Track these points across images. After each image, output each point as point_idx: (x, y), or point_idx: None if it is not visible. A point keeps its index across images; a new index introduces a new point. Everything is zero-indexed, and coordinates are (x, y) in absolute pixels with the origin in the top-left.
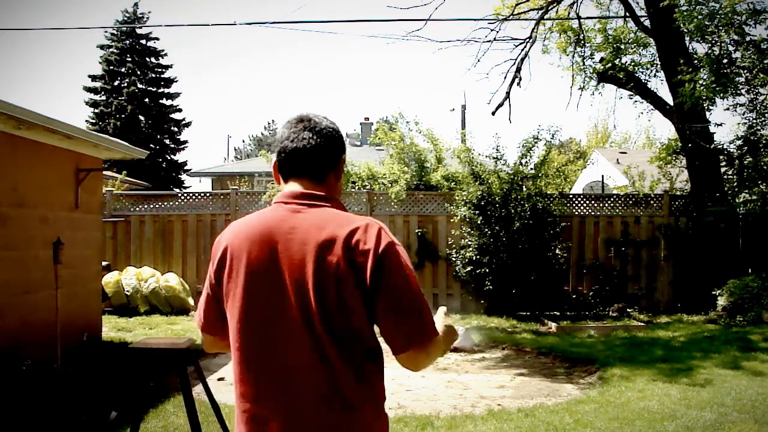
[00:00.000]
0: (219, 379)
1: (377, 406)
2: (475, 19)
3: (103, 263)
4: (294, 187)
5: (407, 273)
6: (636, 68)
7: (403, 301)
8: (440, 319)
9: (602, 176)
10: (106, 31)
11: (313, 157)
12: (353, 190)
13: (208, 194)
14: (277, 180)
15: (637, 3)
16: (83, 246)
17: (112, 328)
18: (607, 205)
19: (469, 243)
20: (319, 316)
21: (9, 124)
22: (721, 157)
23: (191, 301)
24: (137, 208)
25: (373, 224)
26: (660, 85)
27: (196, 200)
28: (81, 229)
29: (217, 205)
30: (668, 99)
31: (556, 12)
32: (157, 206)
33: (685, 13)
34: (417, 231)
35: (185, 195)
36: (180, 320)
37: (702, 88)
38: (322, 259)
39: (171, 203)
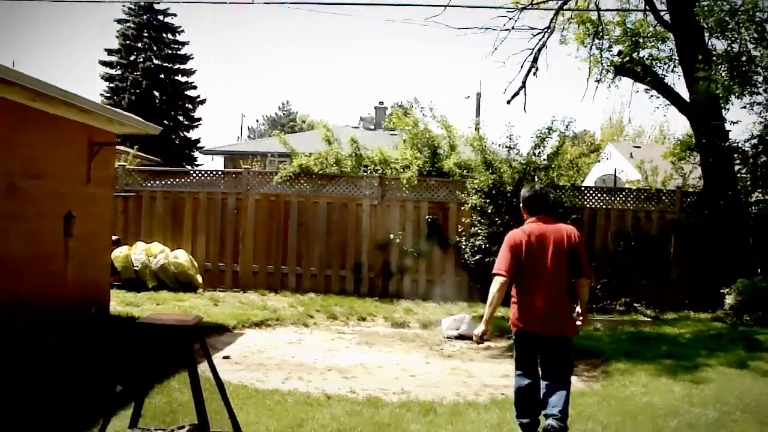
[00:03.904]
0: (224, 357)
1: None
2: (494, 7)
3: (113, 238)
4: (539, 215)
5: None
6: (654, 62)
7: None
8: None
9: (615, 170)
10: (124, 5)
11: (546, 201)
12: (365, 173)
13: (220, 173)
14: (524, 213)
15: None
16: (94, 220)
17: (120, 302)
18: (618, 198)
19: (479, 231)
20: (565, 261)
21: (25, 96)
22: (736, 155)
23: (199, 278)
24: (149, 184)
25: (573, 228)
26: (677, 81)
27: (208, 178)
28: (92, 203)
29: (229, 183)
30: (685, 94)
31: (576, 2)
32: (168, 183)
33: (705, 9)
34: (427, 217)
35: (197, 173)
36: (188, 297)
37: (719, 84)
38: (566, 240)
39: (183, 180)
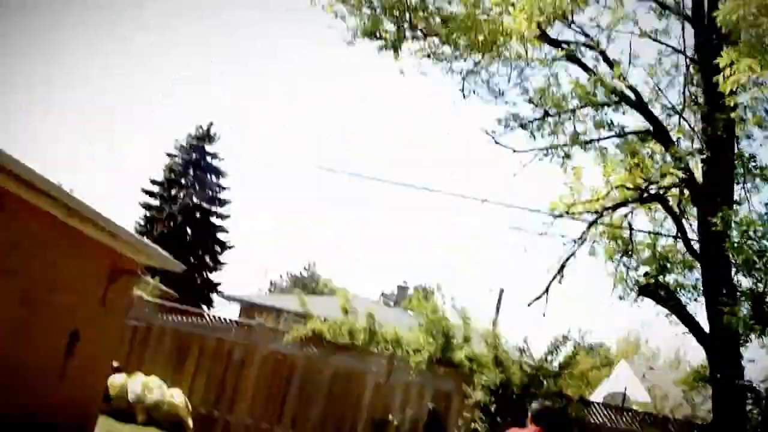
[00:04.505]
0: None
1: None
2: (530, 210)
3: (115, 364)
4: (541, 428)
5: None
6: (678, 289)
7: None
8: None
9: (625, 389)
10: (176, 141)
11: (550, 418)
12: (376, 350)
13: (233, 321)
14: (530, 421)
15: (690, 225)
16: (100, 344)
17: (105, 431)
18: (625, 419)
19: (479, 429)
20: None
21: (60, 211)
22: (749, 394)
23: (190, 422)
24: (161, 318)
25: None
26: (699, 309)
27: (221, 324)
28: (102, 327)
29: (240, 334)
30: (704, 324)
31: (610, 218)
32: (181, 320)
33: (735, 245)
34: (429, 405)
35: (211, 317)
36: None
37: (740, 321)
38: None
39: (195, 320)
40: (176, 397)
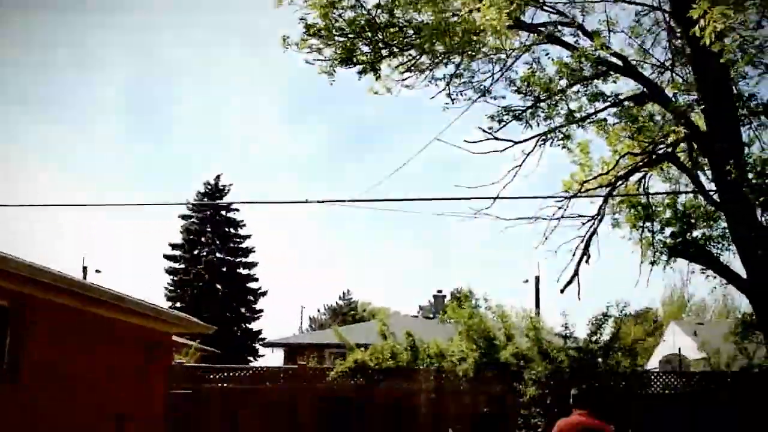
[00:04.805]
0: None
1: None
2: (542, 197)
3: None
4: (582, 410)
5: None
6: (707, 242)
7: None
8: None
9: (679, 350)
10: (188, 201)
11: (587, 399)
12: (422, 366)
13: (276, 369)
14: (573, 407)
15: (707, 176)
16: (145, 420)
17: None
18: (681, 383)
19: (539, 423)
20: None
21: (76, 301)
22: None
23: None
24: (205, 380)
25: (610, 426)
26: (733, 258)
27: (265, 374)
28: (148, 402)
29: (286, 380)
30: (741, 272)
31: (625, 187)
32: (225, 376)
33: (755, 186)
34: (484, 410)
35: (254, 369)
36: None
37: None
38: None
39: (239, 374)
40: None
